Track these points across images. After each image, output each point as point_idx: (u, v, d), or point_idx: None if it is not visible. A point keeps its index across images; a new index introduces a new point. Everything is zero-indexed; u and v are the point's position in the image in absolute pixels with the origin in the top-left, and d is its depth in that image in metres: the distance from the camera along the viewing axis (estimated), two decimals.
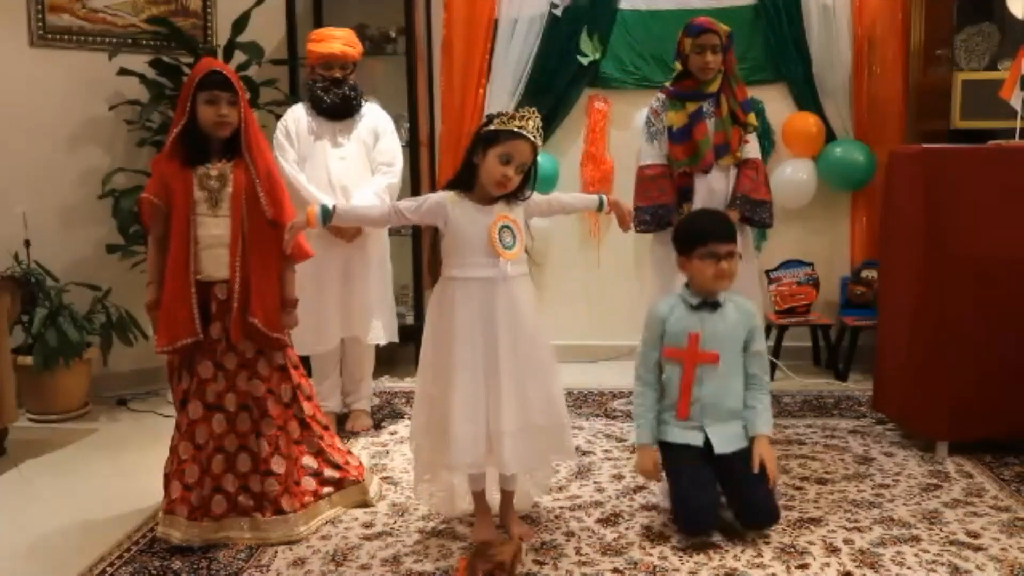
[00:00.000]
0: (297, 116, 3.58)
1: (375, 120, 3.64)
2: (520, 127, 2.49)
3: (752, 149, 3.44)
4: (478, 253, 2.51)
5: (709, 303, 2.72)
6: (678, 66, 3.40)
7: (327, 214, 2.55)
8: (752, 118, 3.43)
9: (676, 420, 2.72)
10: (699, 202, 3.37)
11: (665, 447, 2.75)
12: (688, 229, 2.80)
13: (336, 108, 3.54)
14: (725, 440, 2.68)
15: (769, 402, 2.78)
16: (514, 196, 2.59)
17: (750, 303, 2.84)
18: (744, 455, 2.68)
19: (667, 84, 3.46)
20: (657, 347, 2.76)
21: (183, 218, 2.63)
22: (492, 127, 2.51)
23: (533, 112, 2.55)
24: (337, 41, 3.55)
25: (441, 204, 2.55)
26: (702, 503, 2.62)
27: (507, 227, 2.54)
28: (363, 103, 3.63)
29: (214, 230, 2.64)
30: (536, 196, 2.67)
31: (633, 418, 2.85)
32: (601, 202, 2.80)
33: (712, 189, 3.38)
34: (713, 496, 2.66)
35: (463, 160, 2.60)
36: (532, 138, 2.50)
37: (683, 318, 2.73)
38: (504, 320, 2.51)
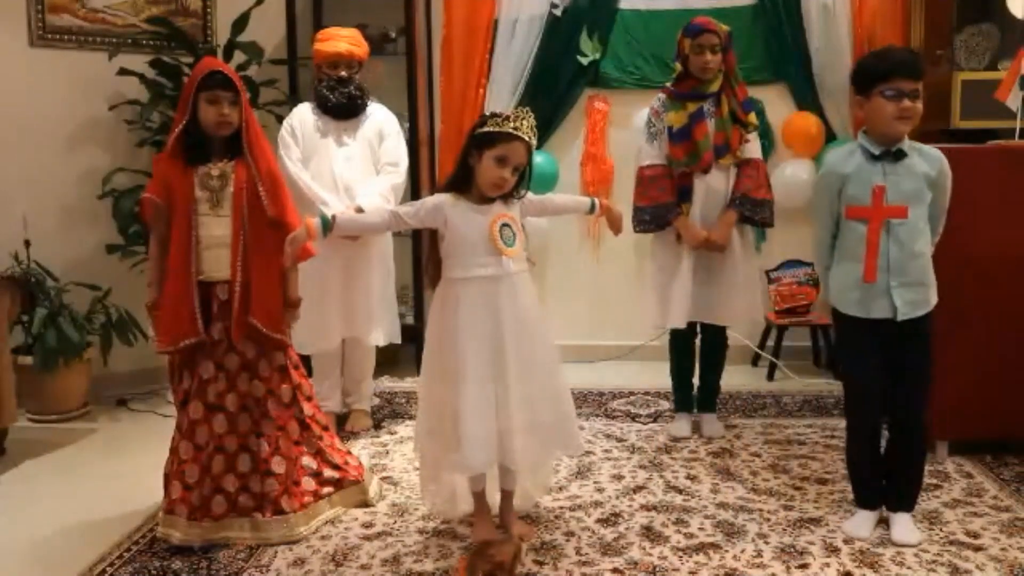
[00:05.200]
0: (302, 115, 3.58)
1: (381, 120, 3.64)
2: (515, 128, 2.49)
3: (753, 149, 3.43)
4: (480, 252, 2.52)
5: (892, 152, 2.51)
6: (678, 67, 3.40)
7: (327, 225, 2.54)
8: (753, 118, 3.42)
9: (861, 285, 2.55)
10: (698, 202, 3.37)
11: (842, 319, 2.65)
12: (870, 64, 2.54)
13: (341, 107, 3.54)
14: (910, 304, 2.54)
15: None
16: (510, 195, 2.60)
17: (937, 151, 2.60)
18: (917, 354, 2.59)
19: (668, 84, 3.46)
20: (834, 210, 2.59)
21: (185, 218, 2.63)
22: (487, 129, 2.51)
23: (527, 112, 2.55)
24: (343, 40, 3.56)
25: (439, 206, 2.56)
26: (871, 388, 2.61)
27: (507, 225, 2.55)
28: (368, 103, 3.63)
29: (215, 230, 2.64)
30: (530, 196, 2.67)
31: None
32: (593, 205, 2.81)
33: (711, 189, 3.37)
34: (880, 387, 2.61)
35: (459, 162, 2.60)
36: (527, 139, 2.51)
37: (865, 170, 2.52)
38: (509, 317, 2.51)
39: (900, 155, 2.53)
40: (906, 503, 2.68)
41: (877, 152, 2.53)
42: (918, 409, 2.63)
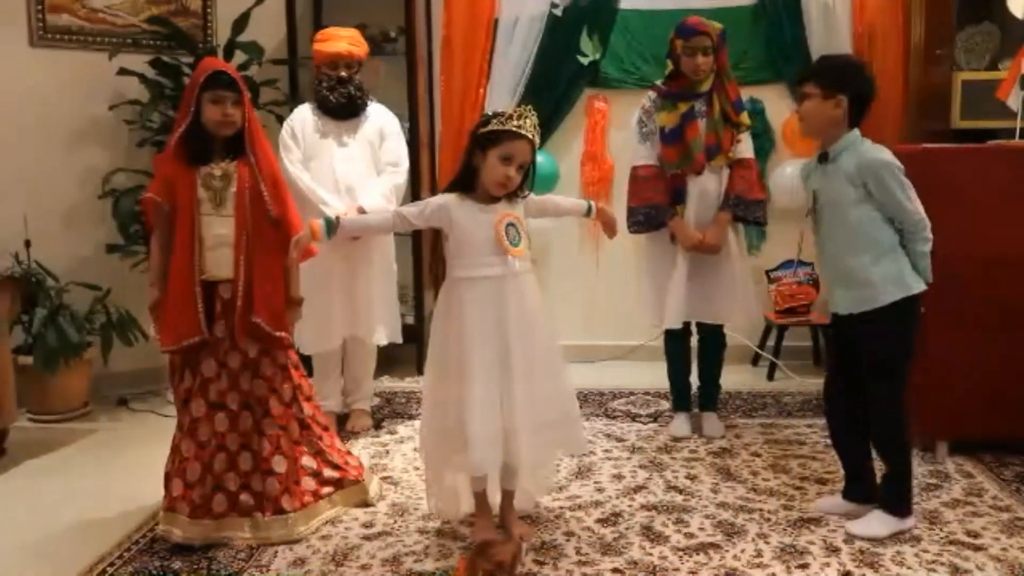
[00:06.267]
0: (303, 116, 3.58)
1: (381, 120, 3.64)
2: (519, 126, 2.49)
3: (745, 148, 3.42)
4: (485, 252, 2.52)
5: (822, 155, 2.64)
6: (670, 64, 3.39)
7: (331, 227, 2.54)
8: (744, 117, 3.40)
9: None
10: (691, 203, 3.36)
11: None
12: None
13: (342, 107, 3.54)
14: (847, 301, 2.62)
15: (920, 253, 2.60)
16: (514, 194, 2.60)
17: (879, 153, 2.55)
18: (868, 348, 2.61)
19: (659, 83, 3.45)
20: None
21: (187, 218, 2.63)
22: (491, 128, 2.51)
23: (529, 110, 2.55)
24: (343, 40, 3.56)
25: (444, 206, 2.56)
26: (832, 379, 2.82)
27: (512, 224, 2.55)
28: (369, 103, 3.63)
29: (218, 229, 2.65)
30: (532, 196, 2.68)
31: None
32: (589, 209, 2.81)
33: (704, 190, 3.37)
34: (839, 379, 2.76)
35: (463, 162, 2.60)
36: (531, 137, 2.51)
37: (811, 176, 2.71)
38: (515, 317, 2.52)
39: (824, 158, 2.64)
40: (881, 498, 2.68)
41: (816, 158, 2.69)
42: (875, 403, 2.65)
